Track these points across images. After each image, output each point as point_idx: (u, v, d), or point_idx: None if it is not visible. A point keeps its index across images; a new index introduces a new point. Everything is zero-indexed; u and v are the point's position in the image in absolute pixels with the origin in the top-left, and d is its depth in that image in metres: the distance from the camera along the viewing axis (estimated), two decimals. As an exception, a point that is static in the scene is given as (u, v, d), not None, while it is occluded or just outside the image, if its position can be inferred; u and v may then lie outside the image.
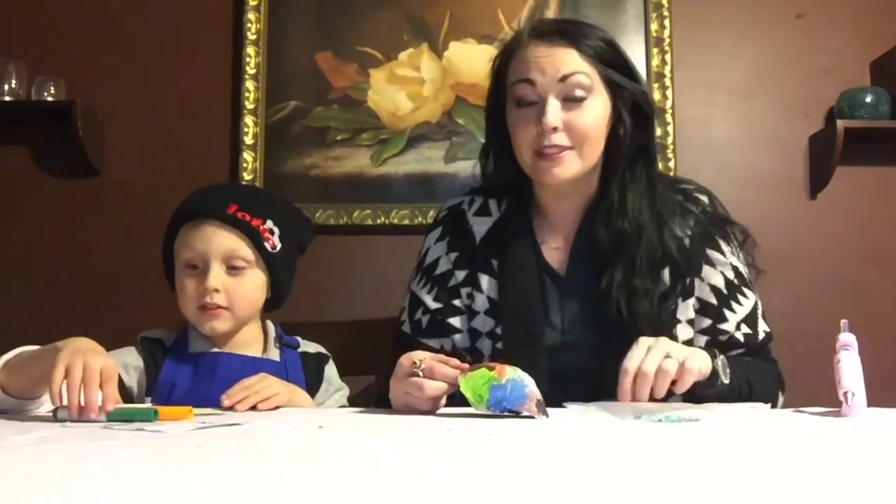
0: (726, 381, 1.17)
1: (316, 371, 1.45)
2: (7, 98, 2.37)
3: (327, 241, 2.48)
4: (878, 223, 2.49)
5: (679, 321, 1.30)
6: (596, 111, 1.26)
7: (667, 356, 1.11)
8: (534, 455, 0.75)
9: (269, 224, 1.36)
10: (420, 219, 2.46)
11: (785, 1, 2.57)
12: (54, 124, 2.41)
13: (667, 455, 0.74)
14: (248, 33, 2.51)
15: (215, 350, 1.38)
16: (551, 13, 2.54)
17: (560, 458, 0.74)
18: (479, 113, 2.49)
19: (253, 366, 1.34)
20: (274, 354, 1.43)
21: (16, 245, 2.45)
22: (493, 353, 1.30)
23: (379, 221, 2.48)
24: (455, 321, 1.35)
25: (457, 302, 1.36)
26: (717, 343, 1.30)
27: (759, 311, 1.35)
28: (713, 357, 1.18)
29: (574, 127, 1.25)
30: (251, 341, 1.42)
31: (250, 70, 2.50)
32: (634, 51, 2.52)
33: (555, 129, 1.24)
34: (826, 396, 1.16)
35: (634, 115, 1.30)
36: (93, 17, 2.53)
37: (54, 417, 1.03)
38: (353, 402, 1.54)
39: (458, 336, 1.35)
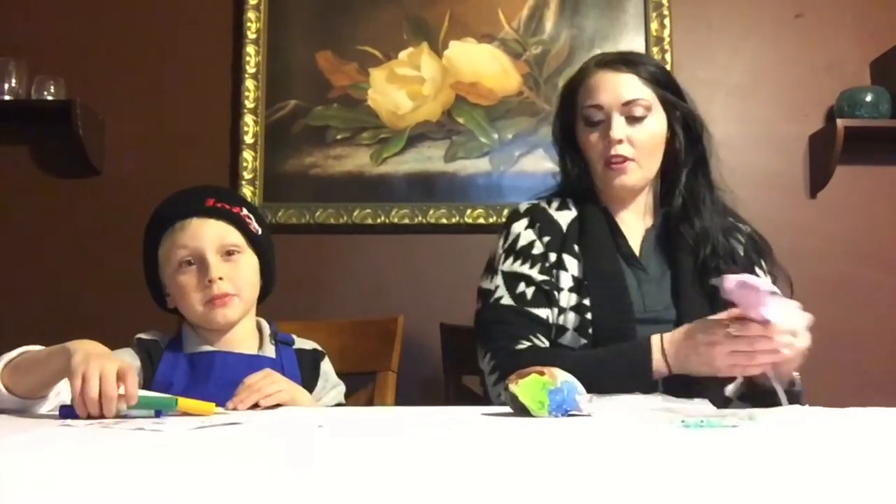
0: (798, 389, 1.26)
1: (312, 368, 1.45)
2: (7, 98, 2.37)
3: (327, 241, 2.49)
4: (878, 223, 2.49)
5: None
6: (654, 127, 1.46)
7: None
8: (535, 455, 0.75)
9: (245, 211, 1.41)
10: (420, 218, 2.46)
11: (785, 1, 2.57)
12: (54, 124, 2.41)
13: (667, 457, 0.74)
14: (248, 33, 2.51)
15: (211, 349, 1.38)
16: (551, 13, 2.54)
17: (563, 459, 0.74)
18: (478, 112, 2.49)
19: (249, 363, 1.34)
20: (269, 351, 1.43)
21: (16, 245, 2.45)
22: (580, 325, 1.40)
23: (379, 221, 2.48)
24: (556, 295, 1.44)
25: (554, 279, 1.45)
26: None
27: None
28: None
29: (636, 140, 1.44)
30: (246, 339, 1.42)
31: (250, 69, 2.50)
32: (634, 51, 2.52)
33: (620, 141, 1.43)
34: (826, 396, 1.16)
35: (687, 131, 1.49)
36: (93, 17, 2.53)
37: (60, 416, 1.04)
38: (352, 400, 1.54)
39: (554, 310, 1.43)
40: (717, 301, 1.31)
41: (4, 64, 2.37)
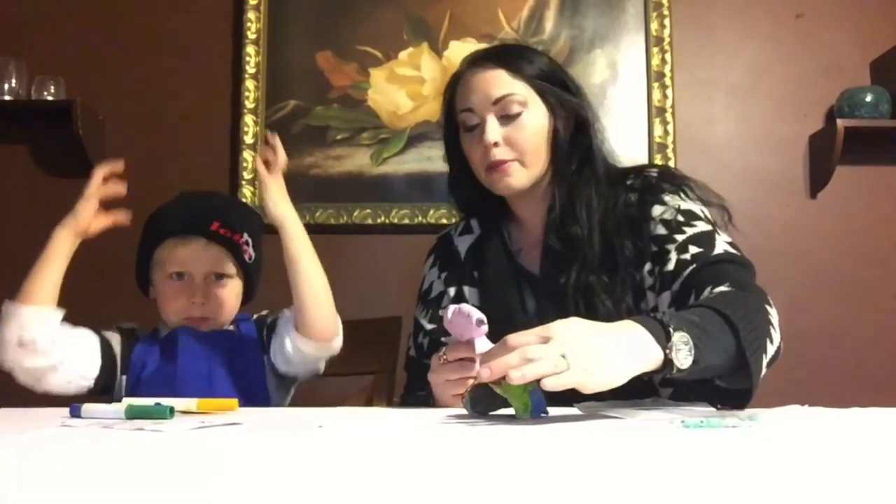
0: (683, 367, 0.99)
1: (268, 327, 1.50)
2: (7, 98, 2.37)
3: (327, 241, 2.47)
4: (878, 223, 2.49)
5: (645, 295, 1.28)
6: (533, 123, 1.33)
7: (562, 355, 0.93)
8: (535, 455, 0.75)
9: (246, 237, 1.47)
10: (420, 218, 2.46)
11: (785, 1, 2.57)
12: (54, 124, 2.41)
13: (667, 457, 0.74)
14: (248, 33, 2.51)
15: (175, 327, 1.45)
16: (551, 13, 2.54)
17: (563, 459, 0.74)
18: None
19: (208, 338, 1.42)
20: (230, 327, 1.50)
21: (15, 245, 2.45)
22: None
23: (379, 221, 2.48)
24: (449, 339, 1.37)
25: None
26: (664, 277, 1.24)
27: (721, 237, 1.27)
28: (665, 340, 0.99)
29: (513, 140, 1.33)
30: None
31: (250, 70, 2.50)
32: (634, 51, 2.53)
33: (496, 144, 1.32)
34: (826, 394, 1.16)
35: (576, 123, 1.37)
36: (93, 17, 2.53)
37: (71, 415, 1.05)
38: (352, 400, 1.54)
39: None
40: (596, 315, 1.19)
41: (4, 64, 2.38)
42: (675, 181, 1.35)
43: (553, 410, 1.07)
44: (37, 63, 2.42)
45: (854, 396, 1.16)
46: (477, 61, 1.37)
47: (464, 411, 1.06)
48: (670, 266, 1.25)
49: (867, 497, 0.55)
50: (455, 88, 1.39)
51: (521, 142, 1.33)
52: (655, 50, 2.51)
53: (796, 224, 2.47)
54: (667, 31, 2.52)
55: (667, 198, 1.31)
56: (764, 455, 0.74)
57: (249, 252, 1.47)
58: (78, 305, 2.43)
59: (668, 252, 1.26)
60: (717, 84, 2.55)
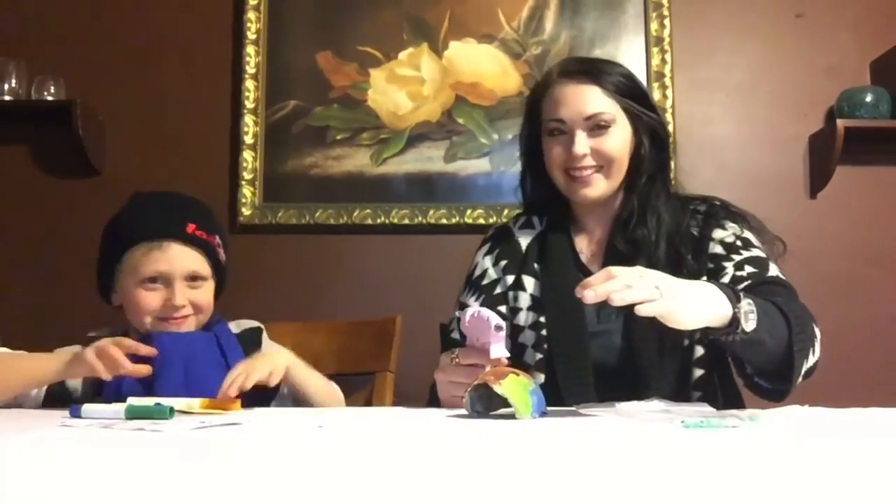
0: (748, 329, 1.12)
1: (252, 342, 1.49)
2: (7, 98, 2.37)
3: (327, 241, 2.49)
4: (878, 223, 2.49)
5: None
6: (619, 137, 1.42)
7: (656, 286, 1.06)
8: (535, 455, 0.75)
9: (218, 238, 1.47)
10: (420, 218, 2.46)
11: (785, 1, 2.57)
12: (54, 124, 2.41)
13: (667, 457, 0.74)
14: (248, 33, 2.51)
15: (149, 330, 1.41)
16: (551, 13, 2.54)
17: (563, 459, 0.74)
18: (478, 112, 2.49)
19: (184, 339, 1.40)
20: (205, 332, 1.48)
21: (16, 245, 2.45)
22: (536, 341, 1.41)
23: (379, 221, 2.48)
24: (512, 317, 1.44)
25: (502, 308, 1.45)
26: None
27: (773, 265, 1.37)
28: (735, 301, 1.12)
29: (600, 151, 1.41)
30: None
31: (250, 70, 2.50)
32: (634, 51, 2.52)
33: (584, 157, 1.40)
34: (826, 396, 1.16)
35: (652, 139, 1.46)
36: (93, 17, 2.53)
37: (71, 415, 1.05)
38: (351, 401, 1.54)
39: None
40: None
41: (4, 64, 2.37)
42: (737, 211, 1.47)
43: (553, 410, 1.07)
44: (37, 63, 2.42)
45: (854, 396, 1.16)
46: (571, 74, 1.43)
47: (464, 411, 1.06)
48: (726, 279, 1.33)
49: (867, 497, 0.55)
50: (543, 94, 1.45)
51: (607, 152, 1.40)
52: (655, 50, 2.51)
53: (796, 224, 2.47)
54: (667, 31, 2.52)
55: (728, 224, 1.42)
56: (764, 455, 0.74)
57: (222, 254, 1.47)
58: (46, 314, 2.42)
59: (725, 268, 1.36)
60: (717, 84, 2.55)
